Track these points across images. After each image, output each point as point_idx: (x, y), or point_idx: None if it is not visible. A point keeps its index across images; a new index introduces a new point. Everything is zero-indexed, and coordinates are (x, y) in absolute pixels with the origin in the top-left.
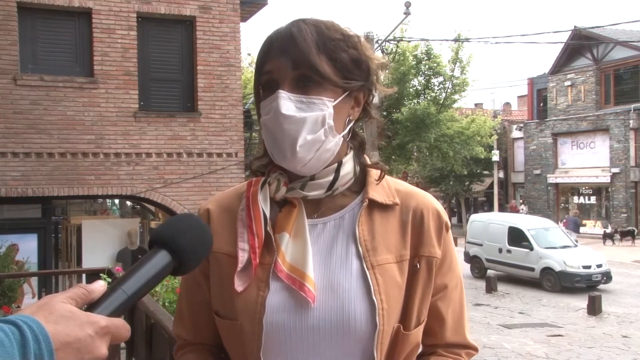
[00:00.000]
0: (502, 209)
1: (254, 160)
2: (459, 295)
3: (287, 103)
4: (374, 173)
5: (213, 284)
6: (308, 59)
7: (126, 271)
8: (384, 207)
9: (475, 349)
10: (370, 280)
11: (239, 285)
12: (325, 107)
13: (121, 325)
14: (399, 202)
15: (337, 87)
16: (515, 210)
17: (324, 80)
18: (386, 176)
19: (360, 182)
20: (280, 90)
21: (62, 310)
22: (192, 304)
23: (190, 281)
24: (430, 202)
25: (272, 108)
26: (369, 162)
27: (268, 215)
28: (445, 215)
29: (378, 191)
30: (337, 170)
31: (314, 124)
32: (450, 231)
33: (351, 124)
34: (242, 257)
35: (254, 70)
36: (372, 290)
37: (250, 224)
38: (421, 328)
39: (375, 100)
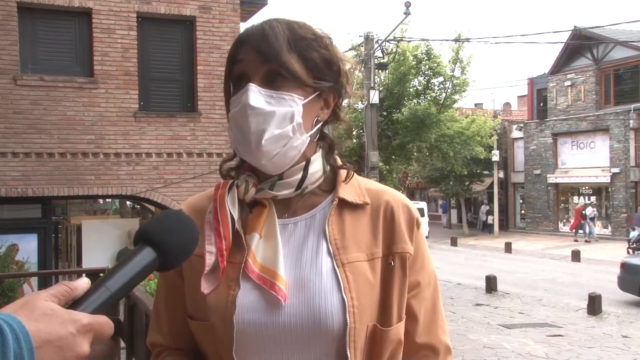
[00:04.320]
0: (502, 208)
1: (222, 162)
2: (432, 293)
3: (256, 96)
4: (344, 173)
5: (186, 285)
6: (279, 55)
7: (111, 268)
8: (354, 207)
9: (450, 351)
10: (340, 278)
11: (205, 288)
12: (295, 104)
13: (104, 323)
14: (369, 201)
15: (307, 86)
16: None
17: (293, 77)
18: (356, 176)
19: (331, 182)
20: (251, 84)
21: (43, 308)
22: (171, 308)
23: (168, 285)
24: (400, 198)
25: (241, 101)
26: (339, 163)
27: (236, 216)
28: (416, 212)
29: (348, 191)
30: (305, 169)
31: (282, 120)
32: (421, 229)
33: (319, 125)
34: (209, 259)
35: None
36: (342, 288)
37: (217, 227)
38: (402, 325)
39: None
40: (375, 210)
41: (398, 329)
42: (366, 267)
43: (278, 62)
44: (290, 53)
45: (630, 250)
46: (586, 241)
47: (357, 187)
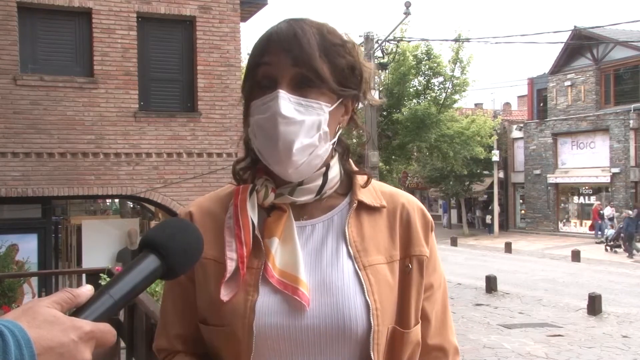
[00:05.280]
0: (502, 208)
1: (235, 163)
2: (442, 296)
3: (286, 104)
4: (360, 177)
5: (199, 290)
6: (311, 60)
7: (114, 275)
8: (372, 209)
9: (458, 352)
10: (362, 280)
11: (224, 295)
12: (322, 112)
13: (106, 330)
14: (385, 204)
15: (333, 93)
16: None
17: (323, 84)
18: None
19: (347, 185)
20: (280, 90)
21: (46, 314)
22: (180, 311)
23: (177, 288)
24: (415, 202)
25: (270, 107)
26: (354, 168)
27: (256, 222)
28: (429, 215)
29: (365, 194)
30: (325, 175)
31: (310, 129)
32: (433, 232)
33: (339, 132)
34: (230, 266)
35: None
36: (365, 290)
37: (238, 233)
38: (419, 327)
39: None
40: (391, 213)
41: (417, 331)
42: (386, 270)
43: (309, 68)
44: (322, 59)
45: (608, 248)
46: (602, 242)
47: (372, 190)
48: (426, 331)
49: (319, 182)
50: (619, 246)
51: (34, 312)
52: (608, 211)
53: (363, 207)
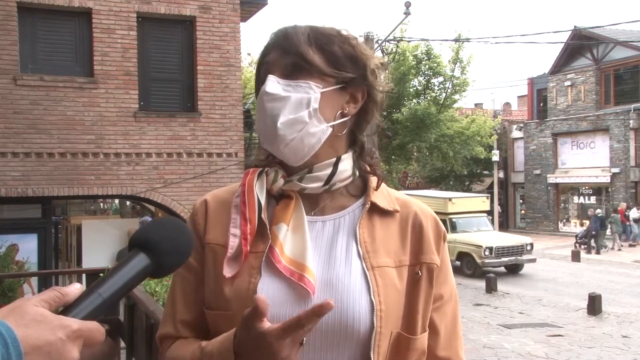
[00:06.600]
0: (502, 209)
1: (253, 160)
2: (453, 308)
3: (274, 84)
4: (374, 180)
5: (207, 275)
6: (297, 47)
7: (104, 274)
8: (385, 213)
9: None
10: (370, 280)
11: (227, 272)
12: (312, 90)
13: (95, 329)
14: (399, 209)
15: (327, 77)
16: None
17: (311, 67)
18: (384, 185)
19: (360, 188)
20: (270, 75)
21: (33, 313)
22: (189, 295)
23: (187, 273)
24: (428, 211)
25: (261, 91)
26: (367, 168)
27: (263, 203)
28: (442, 225)
29: (379, 197)
30: (335, 165)
31: (298, 105)
32: (446, 242)
33: (346, 119)
34: (233, 242)
35: (254, 71)
36: (371, 290)
37: (243, 210)
38: (426, 335)
39: None
40: (404, 219)
41: (423, 339)
42: (394, 274)
43: (296, 54)
44: (310, 46)
45: (577, 245)
46: (630, 245)
47: (387, 195)
48: (435, 343)
49: (328, 171)
50: (586, 243)
51: (22, 310)
52: (635, 213)
53: (376, 209)
